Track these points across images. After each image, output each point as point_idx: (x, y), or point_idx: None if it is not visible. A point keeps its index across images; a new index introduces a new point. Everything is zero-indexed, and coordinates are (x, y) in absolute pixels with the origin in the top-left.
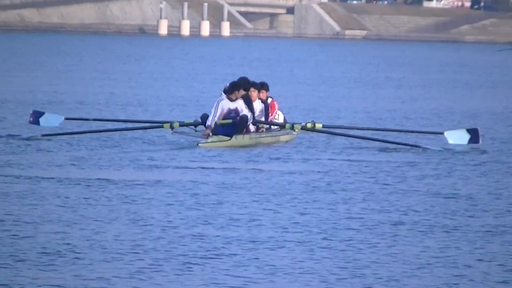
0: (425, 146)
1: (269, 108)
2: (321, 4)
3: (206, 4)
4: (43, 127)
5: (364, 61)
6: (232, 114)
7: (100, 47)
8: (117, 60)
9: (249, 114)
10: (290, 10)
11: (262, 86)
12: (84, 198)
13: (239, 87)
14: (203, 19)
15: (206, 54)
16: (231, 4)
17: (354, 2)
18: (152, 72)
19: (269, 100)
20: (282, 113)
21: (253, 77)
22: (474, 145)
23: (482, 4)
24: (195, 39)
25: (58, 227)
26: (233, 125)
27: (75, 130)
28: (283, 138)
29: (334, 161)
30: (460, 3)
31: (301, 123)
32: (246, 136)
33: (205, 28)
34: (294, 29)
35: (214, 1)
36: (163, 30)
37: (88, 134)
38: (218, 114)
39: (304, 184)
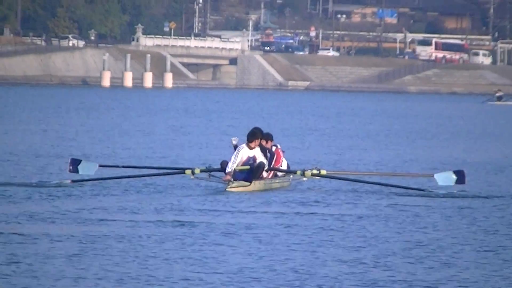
0: (431, 190)
1: (275, 156)
2: (264, 55)
3: (148, 55)
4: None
5: (306, 111)
6: (250, 161)
7: (59, 99)
8: (61, 112)
9: (265, 161)
10: (233, 61)
11: (267, 137)
12: (116, 244)
13: (258, 136)
14: (146, 70)
15: (151, 105)
16: (173, 56)
17: (300, 53)
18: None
19: (273, 148)
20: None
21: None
22: (460, 186)
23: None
24: (138, 91)
25: (83, 278)
26: (250, 171)
27: (103, 176)
28: (287, 183)
29: (350, 206)
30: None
31: (311, 170)
32: (262, 182)
33: (148, 79)
34: (237, 80)
35: (156, 52)
36: (106, 81)
37: (116, 180)
38: (238, 161)
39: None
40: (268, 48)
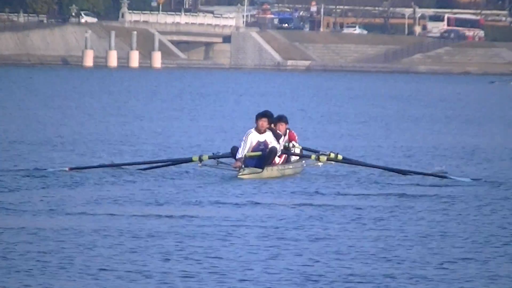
0: (452, 177)
1: (288, 140)
2: (260, 33)
3: (135, 32)
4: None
5: (308, 93)
6: (261, 146)
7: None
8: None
9: (277, 146)
10: (227, 39)
11: (281, 119)
12: (127, 233)
13: (267, 116)
14: (132, 49)
15: (137, 88)
16: (162, 33)
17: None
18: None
19: (287, 131)
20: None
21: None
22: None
23: None
24: (124, 71)
25: (86, 266)
26: (262, 157)
27: (104, 163)
28: (301, 169)
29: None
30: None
31: (326, 154)
32: (275, 168)
33: (134, 59)
34: (231, 59)
35: (144, 29)
36: (89, 61)
37: (116, 168)
38: (247, 147)
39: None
40: (286, 25)
